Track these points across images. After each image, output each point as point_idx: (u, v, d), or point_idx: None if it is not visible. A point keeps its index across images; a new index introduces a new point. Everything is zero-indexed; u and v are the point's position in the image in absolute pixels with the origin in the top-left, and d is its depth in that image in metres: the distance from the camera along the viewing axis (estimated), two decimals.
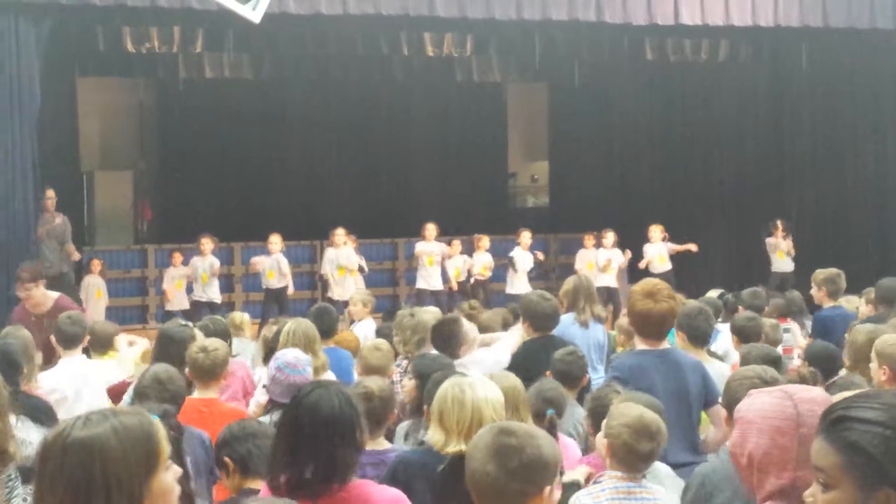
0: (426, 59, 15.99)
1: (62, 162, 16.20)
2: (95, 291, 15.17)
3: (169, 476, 2.40)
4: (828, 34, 14.65)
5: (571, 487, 4.33)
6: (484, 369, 5.64)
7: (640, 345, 5.62)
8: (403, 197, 19.62)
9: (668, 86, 18.74)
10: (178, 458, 3.68)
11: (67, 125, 16.88)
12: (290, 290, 15.08)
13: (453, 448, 4.14)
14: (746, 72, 17.20)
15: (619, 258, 15.88)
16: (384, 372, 6.53)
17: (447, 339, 6.71)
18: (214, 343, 5.96)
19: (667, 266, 15.53)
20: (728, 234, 17.97)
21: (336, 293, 14.68)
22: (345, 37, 14.74)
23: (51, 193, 13.22)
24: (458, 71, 17.19)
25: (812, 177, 16.89)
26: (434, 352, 6.58)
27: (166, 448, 2.40)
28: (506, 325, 8.97)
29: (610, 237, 15.96)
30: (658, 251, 15.77)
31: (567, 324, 7.44)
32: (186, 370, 5.76)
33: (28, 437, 4.81)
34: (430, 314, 7.37)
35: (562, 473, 3.84)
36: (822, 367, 6.11)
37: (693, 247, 15.98)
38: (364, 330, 9.55)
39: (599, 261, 15.80)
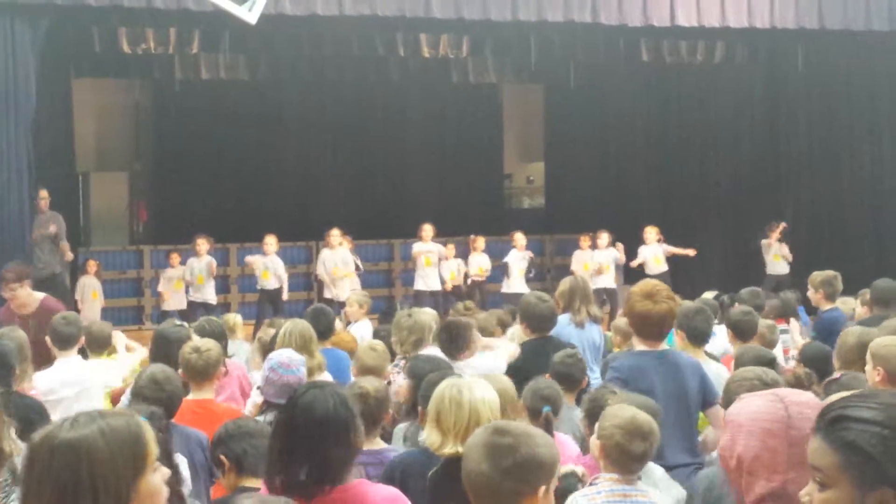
0: (422, 60, 15.99)
1: (57, 163, 16.16)
2: (91, 292, 15.17)
3: (157, 478, 2.39)
4: (824, 36, 14.66)
5: (568, 478, 4.32)
6: (478, 374, 5.63)
7: (639, 346, 5.63)
8: (399, 198, 19.63)
9: (664, 87, 18.75)
10: (166, 459, 3.67)
11: (63, 126, 16.83)
12: (285, 296, 15.06)
13: (450, 449, 4.14)
14: (742, 73, 17.22)
15: (615, 255, 15.87)
16: (380, 372, 6.53)
17: (455, 339, 6.73)
18: (207, 344, 5.96)
19: (662, 267, 15.53)
20: (724, 235, 17.97)
21: (332, 294, 14.68)
22: (341, 38, 14.74)
23: (44, 194, 13.20)
24: (453, 72, 17.19)
25: (808, 178, 16.90)
26: (429, 352, 6.59)
27: (154, 450, 2.40)
28: (503, 326, 8.97)
29: (604, 238, 15.96)
30: (653, 252, 15.77)
31: (563, 324, 7.46)
32: (180, 371, 5.75)
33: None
34: (428, 315, 7.38)
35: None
36: (817, 367, 6.11)
37: (691, 252, 15.96)
38: (360, 331, 9.56)
39: (594, 263, 15.78)
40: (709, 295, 9.90)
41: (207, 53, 15.32)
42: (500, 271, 16.07)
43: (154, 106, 19.26)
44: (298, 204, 18.75)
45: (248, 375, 7.26)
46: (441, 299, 14.95)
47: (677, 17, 13.59)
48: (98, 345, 7.45)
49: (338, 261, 14.95)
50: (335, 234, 15.09)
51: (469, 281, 15.98)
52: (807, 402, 2.58)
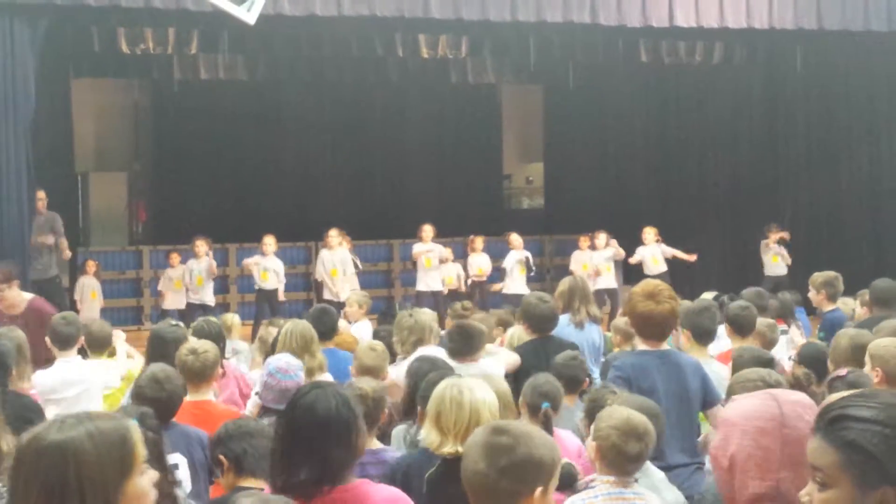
0: (421, 60, 15.99)
1: (56, 163, 16.18)
2: (90, 293, 15.17)
3: (144, 480, 2.39)
4: (822, 36, 14.66)
5: (566, 466, 4.32)
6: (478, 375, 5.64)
7: (641, 346, 5.64)
8: (398, 198, 19.64)
9: (662, 88, 18.76)
10: (157, 460, 3.68)
11: (62, 126, 16.85)
12: (282, 297, 15.06)
13: (449, 449, 4.15)
14: (741, 74, 17.22)
15: (613, 252, 15.86)
16: (379, 372, 6.54)
17: (468, 341, 6.74)
18: (204, 345, 5.96)
19: (661, 268, 15.52)
20: (723, 236, 17.98)
21: (331, 295, 14.68)
22: (340, 38, 14.74)
23: (41, 195, 13.17)
24: (452, 72, 17.19)
25: (806, 179, 16.91)
26: (429, 352, 6.59)
27: (142, 452, 2.40)
28: (504, 326, 8.97)
29: (601, 238, 15.96)
30: (651, 253, 15.76)
31: (562, 325, 7.47)
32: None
33: None
34: (429, 315, 7.41)
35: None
36: (816, 368, 6.11)
37: (692, 258, 15.92)
38: (360, 331, 9.56)
39: (592, 265, 15.78)
40: (708, 295, 9.86)
41: (206, 54, 15.32)
42: (499, 273, 16.05)
43: (153, 106, 19.27)
44: (297, 204, 18.75)
45: (245, 376, 7.25)
46: (442, 300, 14.95)
47: (676, 17, 13.59)
48: (98, 345, 7.45)
49: (336, 261, 14.94)
50: (333, 235, 15.08)
51: (469, 282, 15.99)
52: (800, 402, 2.58)
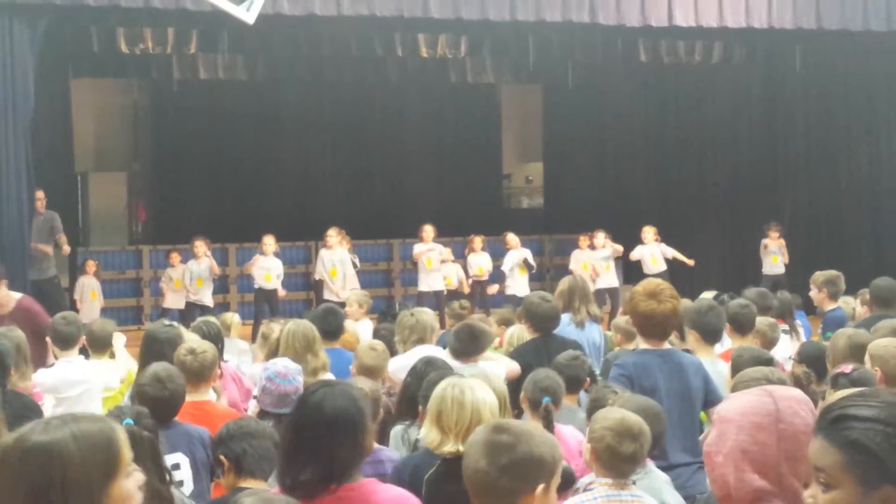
0: (420, 60, 16.00)
1: (56, 163, 16.19)
2: (90, 292, 15.18)
3: (130, 483, 2.38)
4: (821, 36, 14.66)
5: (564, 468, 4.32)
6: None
7: (642, 345, 5.64)
8: (398, 198, 19.64)
9: (661, 87, 18.77)
10: (153, 460, 3.68)
11: (61, 126, 16.85)
12: (283, 292, 15.08)
13: (449, 448, 4.15)
14: (740, 73, 17.23)
15: (610, 251, 15.87)
16: (379, 372, 6.55)
17: (476, 341, 6.75)
18: (202, 345, 5.95)
19: (661, 267, 15.52)
20: (722, 235, 17.99)
21: (331, 294, 14.67)
22: (339, 38, 14.74)
23: (40, 195, 13.16)
24: (452, 72, 17.19)
25: (806, 178, 16.92)
26: (430, 352, 6.60)
27: (128, 454, 2.39)
28: (507, 325, 8.97)
29: (600, 237, 15.96)
30: (651, 252, 15.76)
31: (563, 324, 7.47)
32: None
33: None
34: (430, 315, 7.43)
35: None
36: (816, 367, 6.11)
37: (690, 262, 15.88)
38: (361, 331, 9.56)
39: (591, 265, 15.78)
40: (708, 295, 9.86)
41: (205, 53, 15.33)
42: (499, 274, 16.04)
43: (152, 106, 19.27)
44: (297, 204, 18.75)
45: (243, 378, 7.24)
46: (444, 300, 14.94)
47: (675, 17, 13.59)
48: (99, 344, 7.45)
49: (336, 261, 14.95)
50: (332, 235, 15.07)
51: (470, 280, 16.01)
52: (796, 398, 2.59)
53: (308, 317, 7.83)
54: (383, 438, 5.55)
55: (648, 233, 15.87)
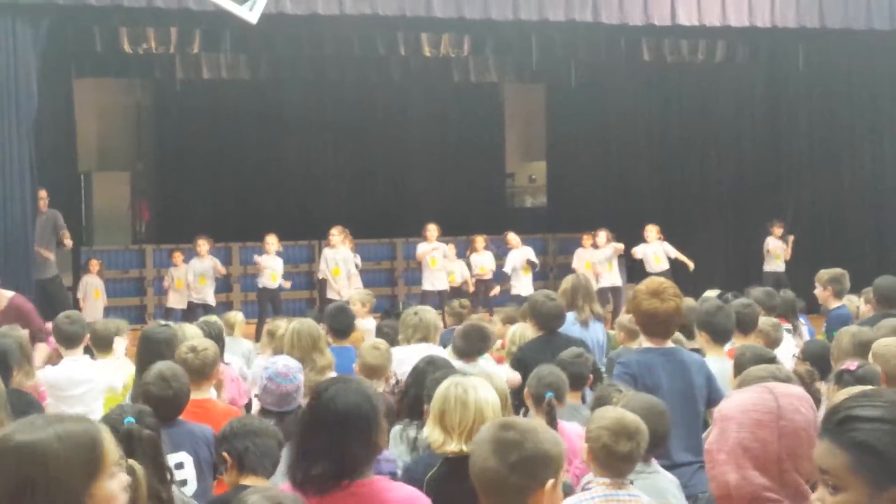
0: (423, 59, 15.99)
1: (59, 163, 16.19)
2: (94, 291, 15.19)
3: (114, 484, 2.38)
4: (824, 35, 14.66)
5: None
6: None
7: (646, 343, 5.64)
8: (401, 197, 19.64)
9: (665, 86, 18.76)
10: (154, 459, 3.68)
11: (64, 126, 16.86)
12: (287, 285, 15.14)
13: (453, 448, 4.15)
14: (743, 72, 17.22)
15: (611, 250, 15.87)
16: (382, 371, 6.55)
17: (483, 341, 6.75)
18: (204, 343, 5.95)
19: (663, 266, 15.50)
20: (725, 234, 17.99)
21: (334, 293, 14.68)
22: (342, 37, 14.74)
23: (42, 194, 13.17)
24: (455, 71, 17.18)
25: (809, 177, 16.91)
26: (433, 351, 6.61)
27: (112, 455, 2.39)
28: (511, 324, 8.98)
29: (602, 236, 15.94)
30: (653, 251, 15.75)
31: (568, 323, 7.48)
32: None
33: None
34: (433, 313, 7.44)
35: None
36: (820, 365, 6.11)
37: (690, 264, 15.83)
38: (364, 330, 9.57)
39: (598, 261, 15.77)
40: (711, 293, 9.86)
41: (208, 53, 15.33)
42: (502, 274, 16.04)
43: (155, 105, 19.29)
44: (300, 203, 18.76)
45: (241, 381, 7.25)
46: (447, 299, 14.94)
47: (678, 16, 13.59)
48: (103, 344, 7.46)
49: (339, 260, 14.95)
50: (335, 234, 15.07)
51: (474, 280, 16.02)
52: (796, 395, 2.58)
53: (312, 315, 7.85)
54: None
55: (651, 231, 15.86)
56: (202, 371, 5.74)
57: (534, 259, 15.86)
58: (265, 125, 18.77)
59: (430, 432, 4.26)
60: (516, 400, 5.63)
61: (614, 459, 4.15)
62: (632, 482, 4.18)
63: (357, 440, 3.45)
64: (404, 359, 6.64)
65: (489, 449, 2.93)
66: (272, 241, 15.02)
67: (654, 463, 4.63)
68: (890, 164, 15.94)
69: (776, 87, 17.20)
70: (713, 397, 5.48)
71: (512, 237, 15.92)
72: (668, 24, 13.72)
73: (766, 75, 17.23)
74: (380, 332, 8.38)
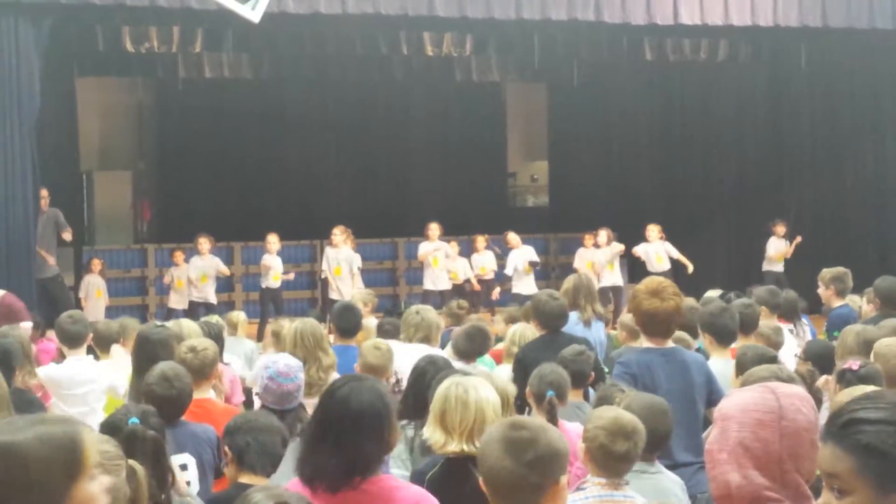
0: (425, 58, 15.99)
1: (61, 162, 16.21)
2: (95, 291, 15.18)
3: (94, 486, 2.37)
4: (827, 34, 14.65)
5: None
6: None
7: (646, 343, 5.63)
8: (403, 197, 19.63)
9: (667, 86, 18.75)
10: (157, 460, 3.67)
11: (67, 125, 16.88)
12: (290, 276, 15.24)
13: (454, 448, 4.15)
14: (745, 72, 17.21)
15: (615, 250, 15.87)
16: (383, 371, 6.54)
17: (482, 341, 6.75)
18: (203, 343, 5.95)
19: (665, 266, 15.49)
20: (727, 233, 17.98)
21: (336, 293, 14.68)
22: (344, 36, 14.74)
23: (44, 193, 13.19)
24: (457, 71, 17.18)
25: (811, 177, 16.90)
26: (434, 351, 6.61)
27: (93, 457, 2.38)
28: (514, 322, 8.98)
29: (603, 235, 15.93)
30: (655, 250, 15.73)
31: (571, 323, 7.49)
32: None
33: None
34: (434, 313, 7.45)
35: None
36: (822, 365, 6.11)
37: (689, 267, 15.79)
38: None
39: (599, 261, 15.77)
40: (713, 293, 9.86)
41: (211, 52, 15.34)
42: (502, 276, 16.04)
43: (157, 105, 19.29)
44: (302, 203, 18.76)
45: (238, 378, 7.25)
46: (449, 299, 14.94)
47: (680, 15, 13.59)
48: (105, 344, 7.46)
49: (341, 259, 14.95)
50: (337, 233, 15.07)
51: (477, 280, 16.02)
52: (797, 395, 2.58)
53: (314, 314, 7.85)
54: None
55: (653, 231, 15.84)
56: (201, 371, 5.74)
57: (535, 258, 15.85)
58: (267, 124, 18.76)
59: (432, 433, 4.25)
60: (518, 400, 5.63)
61: (611, 459, 4.14)
62: (628, 483, 4.17)
63: (371, 438, 3.47)
64: (404, 358, 6.64)
65: (502, 449, 2.94)
66: (273, 241, 15.03)
67: (658, 463, 4.62)
68: (892, 163, 15.93)
69: (778, 86, 17.19)
70: (714, 398, 5.46)
71: (512, 237, 15.91)
72: (670, 24, 13.72)
73: (768, 74, 17.22)
74: (381, 330, 8.37)
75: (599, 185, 19.74)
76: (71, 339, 6.97)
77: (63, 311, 7.65)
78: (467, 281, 16.00)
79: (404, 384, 5.91)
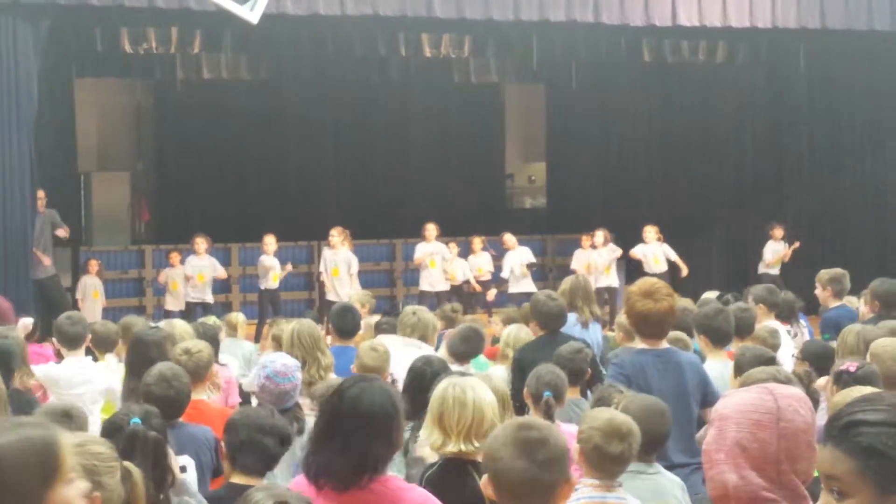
0: (424, 60, 15.98)
1: (59, 163, 16.20)
2: (92, 292, 15.17)
3: (70, 491, 2.37)
4: (825, 35, 14.66)
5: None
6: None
7: (640, 344, 5.63)
8: (401, 198, 19.62)
9: (665, 87, 18.75)
10: (157, 461, 3.67)
11: (65, 126, 16.86)
12: (290, 268, 15.27)
13: (451, 448, 4.14)
14: (744, 73, 17.21)
15: (613, 252, 15.87)
16: (380, 373, 6.53)
17: (478, 343, 6.76)
18: (198, 345, 5.95)
19: (662, 267, 15.49)
20: (725, 235, 17.98)
21: (333, 294, 14.68)
22: (342, 38, 14.74)
23: (41, 194, 13.19)
24: (455, 72, 17.18)
25: (809, 178, 16.90)
26: (430, 352, 6.61)
27: (69, 461, 2.38)
28: (511, 323, 8.98)
29: (600, 236, 15.93)
30: (652, 252, 15.74)
31: (570, 324, 7.50)
32: None
33: None
34: (431, 314, 7.45)
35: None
36: (819, 365, 6.10)
37: (685, 269, 15.77)
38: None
39: (597, 262, 15.77)
40: (710, 295, 9.86)
41: (209, 53, 15.33)
42: (499, 277, 16.03)
43: (156, 106, 19.28)
44: (299, 204, 18.75)
45: (234, 380, 7.24)
46: (445, 300, 14.93)
47: (679, 16, 13.60)
48: (103, 345, 7.45)
49: (339, 261, 14.95)
50: (335, 234, 15.07)
51: (476, 281, 16.02)
52: (795, 396, 2.58)
53: (311, 315, 7.84)
54: None
55: (650, 232, 15.85)
56: (196, 372, 5.74)
57: (532, 260, 15.85)
58: (265, 126, 18.75)
59: (430, 433, 4.25)
60: (517, 402, 5.63)
61: (605, 461, 4.13)
62: (621, 484, 4.16)
63: (380, 438, 3.49)
64: (399, 357, 6.64)
65: (514, 449, 2.96)
66: (270, 242, 15.03)
67: (657, 464, 4.62)
68: (891, 164, 15.93)
69: (777, 87, 17.19)
70: (708, 399, 5.46)
71: (508, 238, 15.91)
72: (668, 25, 13.72)
73: (766, 76, 17.22)
74: (378, 328, 8.37)
75: (597, 186, 19.74)
76: (70, 341, 6.96)
77: (60, 313, 7.63)
78: (466, 282, 15.99)
79: (400, 385, 5.90)
